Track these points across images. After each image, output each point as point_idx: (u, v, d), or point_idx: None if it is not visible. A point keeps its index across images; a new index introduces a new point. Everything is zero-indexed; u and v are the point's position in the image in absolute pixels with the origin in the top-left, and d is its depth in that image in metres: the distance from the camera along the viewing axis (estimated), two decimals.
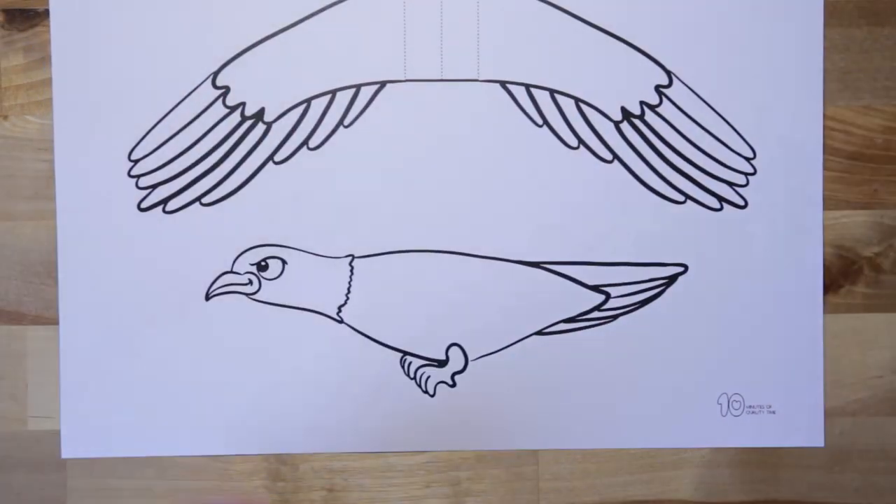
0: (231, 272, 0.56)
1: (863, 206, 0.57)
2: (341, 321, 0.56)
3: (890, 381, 0.57)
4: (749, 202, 0.56)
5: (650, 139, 0.56)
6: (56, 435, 0.56)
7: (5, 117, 0.56)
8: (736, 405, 0.56)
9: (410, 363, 0.56)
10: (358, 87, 0.56)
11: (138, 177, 0.56)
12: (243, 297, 0.56)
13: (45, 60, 0.56)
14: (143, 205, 0.56)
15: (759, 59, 0.56)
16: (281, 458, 0.57)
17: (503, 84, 0.56)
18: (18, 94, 0.56)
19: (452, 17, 0.56)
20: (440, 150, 0.56)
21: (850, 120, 0.57)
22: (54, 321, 0.56)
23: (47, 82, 0.56)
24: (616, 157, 0.56)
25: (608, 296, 0.56)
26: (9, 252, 0.56)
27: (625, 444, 0.57)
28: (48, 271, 0.56)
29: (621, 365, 0.56)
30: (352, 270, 0.56)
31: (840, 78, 0.57)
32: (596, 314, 0.56)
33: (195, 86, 0.56)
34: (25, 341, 0.56)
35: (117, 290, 0.56)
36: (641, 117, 0.56)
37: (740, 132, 0.56)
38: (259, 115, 0.56)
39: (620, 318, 0.56)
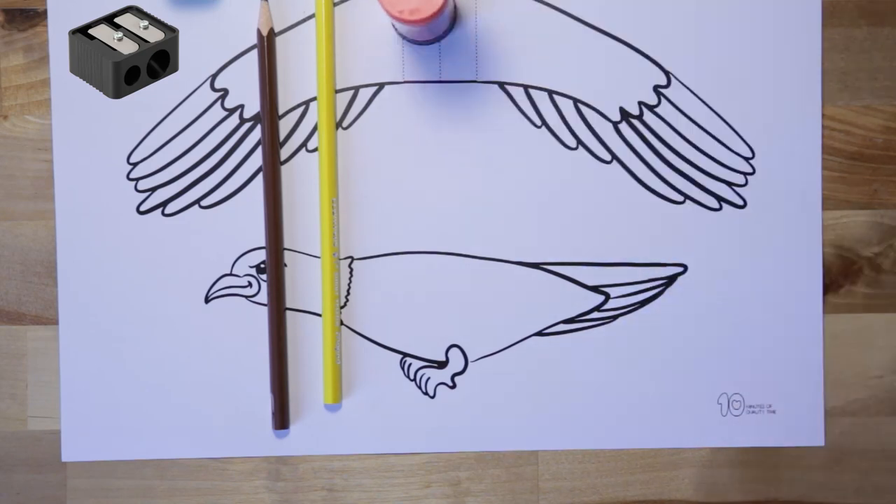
0: (230, 274, 0.56)
1: (863, 206, 0.57)
2: (341, 323, 0.56)
3: (890, 381, 0.57)
4: (748, 202, 0.56)
5: (649, 139, 0.56)
6: (56, 434, 0.56)
7: (5, 117, 0.56)
8: (736, 405, 0.56)
9: (410, 364, 0.56)
10: (356, 88, 0.56)
11: (137, 179, 0.56)
12: (243, 299, 0.56)
13: (45, 60, 0.56)
14: (143, 207, 0.56)
15: (758, 59, 0.56)
16: (281, 459, 0.57)
17: (501, 85, 0.56)
18: (18, 94, 0.56)
19: None
20: (439, 151, 0.56)
21: (850, 120, 0.57)
22: (54, 321, 0.56)
23: (47, 82, 0.56)
24: (615, 157, 0.56)
25: (608, 296, 0.56)
26: (8, 252, 0.56)
27: (625, 445, 0.57)
28: (48, 271, 0.56)
29: (621, 365, 0.56)
30: (351, 272, 0.56)
31: (840, 78, 0.57)
32: (596, 314, 0.56)
33: (194, 88, 0.56)
34: (25, 341, 0.56)
35: (117, 291, 0.56)
36: (640, 118, 0.56)
37: (739, 132, 0.56)
38: (258, 118, 0.56)
39: (620, 319, 0.56)
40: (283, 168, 0.56)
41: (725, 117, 0.56)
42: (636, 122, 0.56)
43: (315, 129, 0.56)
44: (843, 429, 0.57)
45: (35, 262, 0.56)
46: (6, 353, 0.57)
